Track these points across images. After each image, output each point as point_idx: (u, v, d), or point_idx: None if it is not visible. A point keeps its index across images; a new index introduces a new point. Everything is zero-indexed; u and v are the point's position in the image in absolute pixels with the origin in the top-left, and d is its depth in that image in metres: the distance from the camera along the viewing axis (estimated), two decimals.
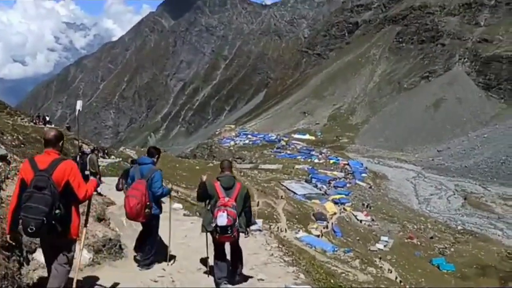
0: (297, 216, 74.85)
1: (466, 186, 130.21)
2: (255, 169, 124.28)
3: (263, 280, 8.78)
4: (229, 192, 8.06)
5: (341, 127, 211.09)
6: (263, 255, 10.48)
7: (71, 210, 5.85)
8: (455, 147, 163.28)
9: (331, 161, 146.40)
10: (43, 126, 43.20)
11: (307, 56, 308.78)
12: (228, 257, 8.58)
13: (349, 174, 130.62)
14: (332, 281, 13.45)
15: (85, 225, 6.74)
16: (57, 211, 5.59)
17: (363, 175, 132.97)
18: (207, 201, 8.20)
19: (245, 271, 8.84)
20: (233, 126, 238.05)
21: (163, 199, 8.76)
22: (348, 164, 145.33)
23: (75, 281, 6.37)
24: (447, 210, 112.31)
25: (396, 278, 58.25)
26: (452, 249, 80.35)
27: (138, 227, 9.21)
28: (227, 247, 8.42)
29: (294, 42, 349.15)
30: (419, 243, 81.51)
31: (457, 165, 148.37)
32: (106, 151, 54.61)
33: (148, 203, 8.14)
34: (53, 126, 47.33)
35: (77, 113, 11.36)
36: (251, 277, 8.92)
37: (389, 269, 62.31)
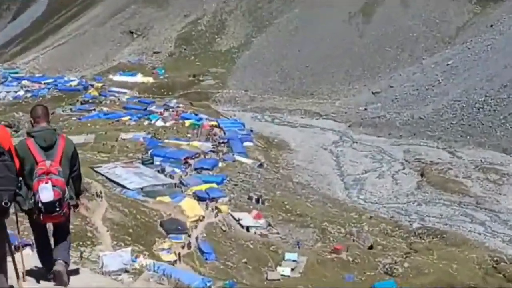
0: (131, 230, 73.65)
1: (422, 151, 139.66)
2: None
3: None
4: (50, 153, 9.69)
5: (203, 56, 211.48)
6: None
7: None
8: (401, 85, 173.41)
9: (187, 122, 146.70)
10: None
11: None
12: (51, 241, 10.69)
13: (222, 144, 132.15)
14: None
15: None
16: None
17: (247, 144, 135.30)
18: None
19: None
20: None
21: None
22: (218, 126, 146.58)
23: None
24: (393, 196, 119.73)
25: None
26: (406, 264, 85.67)
27: None
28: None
29: None
30: (350, 258, 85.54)
31: (406, 116, 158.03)
32: None
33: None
34: None
35: None
36: None
37: None
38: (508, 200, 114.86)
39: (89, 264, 36.00)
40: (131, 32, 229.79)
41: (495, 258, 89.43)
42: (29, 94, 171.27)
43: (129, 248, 25.92)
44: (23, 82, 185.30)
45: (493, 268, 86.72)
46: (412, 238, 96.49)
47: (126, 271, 14.82)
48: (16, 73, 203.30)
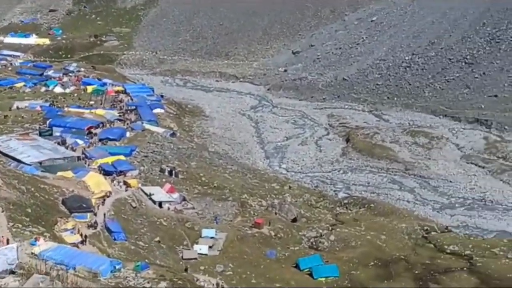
0: (29, 209, 71.97)
1: (347, 115, 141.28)
2: None
3: None
4: None
5: (105, 14, 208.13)
6: None
7: None
8: (323, 44, 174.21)
9: (89, 88, 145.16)
10: None
11: None
12: None
13: (129, 112, 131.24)
14: None
15: None
16: None
17: (157, 111, 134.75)
18: None
19: None
20: None
21: None
22: (124, 92, 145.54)
23: None
24: (317, 164, 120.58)
25: None
26: (332, 237, 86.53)
27: None
28: None
29: None
30: (272, 233, 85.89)
31: (329, 77, 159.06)
32: None
33: None
34: None
35: None
36: None
37: None
38: (438, 165, 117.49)
39: None
40: None
41: (426, 227, 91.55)
42: None
43: (15, 244, 24.72)
44: None
45: (424, 238, 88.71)
46: (338, 208, 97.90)
47: (12, 272, 14.04)
48: None
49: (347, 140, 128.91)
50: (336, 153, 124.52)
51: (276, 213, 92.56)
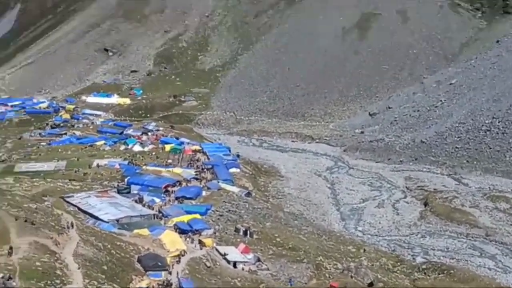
0: (105, 267, 71.87)
1: (425, 178, 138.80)
2: (7, 175, 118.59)
3: None
4: None
5: (184, 75, 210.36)
6: None
7: None
8: (401, 106, 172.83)
9: (167, 147, 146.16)
10: None
11: None
12: None
13: (206, 171, 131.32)
14: None
15: None
16: None
17: (233, 170, 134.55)
18: None
19: None
20: None
21: None
22: (201, 151, 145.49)
23: None
24: (394, 228, 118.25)
25: None
26: None
27: None
28: None
29: None
30: None
31: (406, 139, 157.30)
32: None
33: None
34: None
35: None
36: None
37: None
38: None
39: None
40: (106, 50, 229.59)
41: None
42: None
43: None
44: None
45: None
46: (416, 274, 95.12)
47: None
48: None
49: (425, 204, 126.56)
50: (413, 217, 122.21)
51: (352, 277, 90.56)
